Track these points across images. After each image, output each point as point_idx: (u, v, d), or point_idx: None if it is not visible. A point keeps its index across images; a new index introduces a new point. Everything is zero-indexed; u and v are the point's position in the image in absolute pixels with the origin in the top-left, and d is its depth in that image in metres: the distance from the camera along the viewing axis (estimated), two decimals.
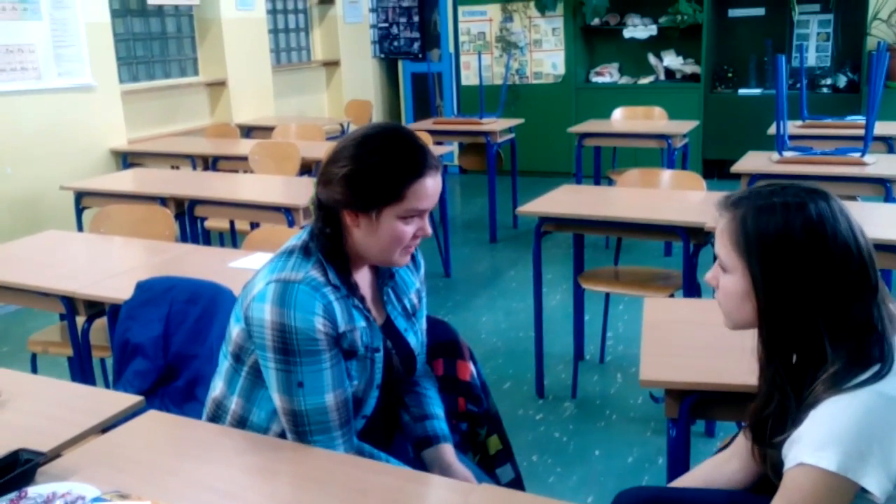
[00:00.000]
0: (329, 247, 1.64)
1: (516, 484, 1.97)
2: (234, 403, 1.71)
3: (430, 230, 1.68)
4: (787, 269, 1.33)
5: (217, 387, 1.75)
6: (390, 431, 1.87)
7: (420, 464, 1.79)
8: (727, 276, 1.41)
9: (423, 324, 1.87)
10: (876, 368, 1.28)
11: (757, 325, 1.40)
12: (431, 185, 1.62)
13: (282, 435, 1.66)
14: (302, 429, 1.60)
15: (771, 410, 1.42)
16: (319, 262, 1.63)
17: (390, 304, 1.78)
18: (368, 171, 1.59)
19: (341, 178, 1.60)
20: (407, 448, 1.85)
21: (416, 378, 1.88)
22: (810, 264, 1.32)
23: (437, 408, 1.86)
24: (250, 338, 1.61)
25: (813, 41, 7.46)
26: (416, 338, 1.82)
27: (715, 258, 1.46)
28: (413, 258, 1.84)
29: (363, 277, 1.73)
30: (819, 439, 1.27)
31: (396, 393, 1.84)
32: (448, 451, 1.80)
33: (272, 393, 1.61)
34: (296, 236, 1.70)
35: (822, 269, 1.32)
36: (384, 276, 1.78)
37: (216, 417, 1.75)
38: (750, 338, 1.51)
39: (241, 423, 1.71)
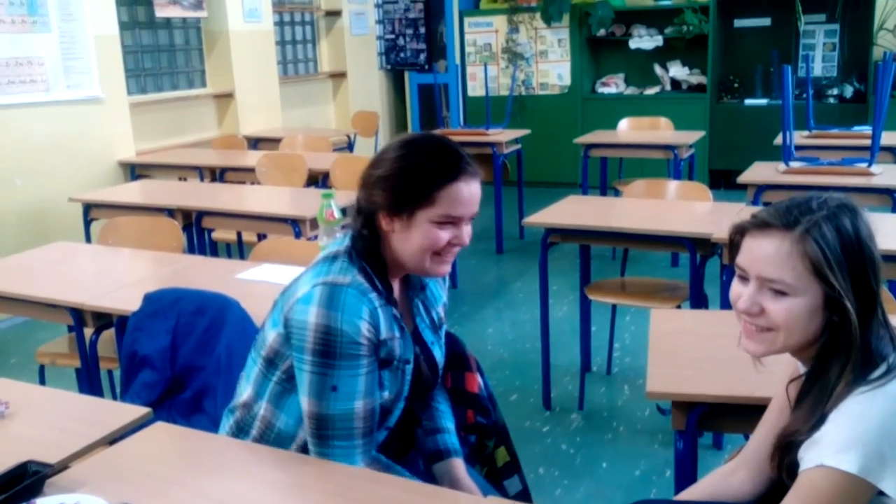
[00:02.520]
0: (367, 250, 1.65)
1: (524, 496, 1.97)
2: (262, 408, 1.70)
3: (467, 240, 1.67)
4: (865, 275, 1.33)
5: (244, 392, 1.74)
6: (406, 444, 1.87)
7: (430, 477, 1.78)
8: (792, 298, 1.34)
9: (444, 338, 1.88)
10: (887, 365, 1.30)
11: (815, 341, 1.36)
12: (466, 190, 1.62)
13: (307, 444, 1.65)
14: (325, 433, 1.58)
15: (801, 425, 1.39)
16: (363, 267, 1.64)
17: (419, 317, 1.78)
18: (402, 172, 1.62)
19: (378, 180, 1.63)
20: (419, 461, 1.84)
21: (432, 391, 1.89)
22: (876, 266, 1.34)
23: (448, 421, 1.86)
24: (288, 341, 1.61)
25: (819, 51, 7.46)
26: (441, 351, 1.83)
27: (731, 267, 1.44)
28: None
29: (396, 286, 1.73)
30: (840, 441, 1.26)
31: (416, 406, 1.84)
32: (458, 465, 1.80)
33: (301, 396, 1.60)
34: (337, 241, 1.71)
35: (873, 270, 1.33)
36: (416, 287, 1.78)
37: (243, 423, 1.73)
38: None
39: (269, 428, 1.70)
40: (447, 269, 1.70)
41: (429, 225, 1.61)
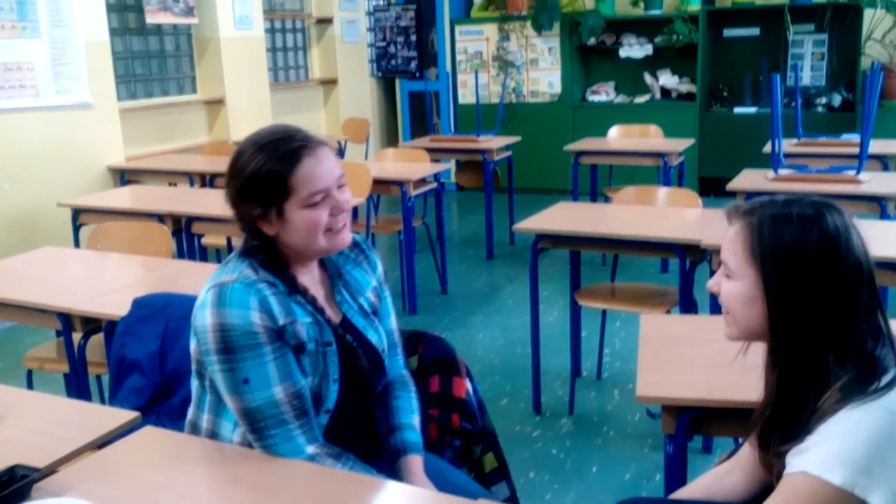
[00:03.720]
0: (265, 256, 1.68)
1: (512, 502, 1.97)
2: (204, 421, 1.74)
3: (345, 204, 1.68)
4: (801, 280, 1.33)
5: (190, 411, 1.79)
6: (375, 446, 1.85)
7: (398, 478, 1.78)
8: (733, 281, 1.41)
9: (390, 324, 1.88)
10: (887, 380, 1.29)
11: (762, 332, 1.39)
12: (315, 164, 1.63)
13: (249, 445, 1.66)
14: (257, 425, 1.61)
15: (770, 417, 1.41)
16: (252, 263, 1.66)
17: (345, 304, 1.79)
18: (251, 180, 1.63)
19: (236, 195, 1.67)
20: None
21: (387, 381, 1.88)
22: (823, 276, 1.32)
23: (405, 416, 1.85)
24: (200, 348, 1.64)
25: (808, 61, 7.51)
26: (378, 336, 1.82)
27: (717, 266, 1.47)
28: (367, 257, 1.86)
29: (312, 278, 1.75)
30: (828, 452, 1.26)
31: (365, 391, 1.82)
32: (412, 462, 1.78)
33: (225, 398, 1.64)
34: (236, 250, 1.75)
35: (834, 281, 1.32)
36: (333, 276, 1.80)
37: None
38: (748, 354, 1.51)
39: (213, 437, 1.72)
40: (347, 236, 1.71)
41: (302, 211, 1.63)
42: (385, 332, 1.85)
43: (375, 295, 1.86)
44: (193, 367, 1.72)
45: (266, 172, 1.62)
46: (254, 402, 1.60)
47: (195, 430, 1.76)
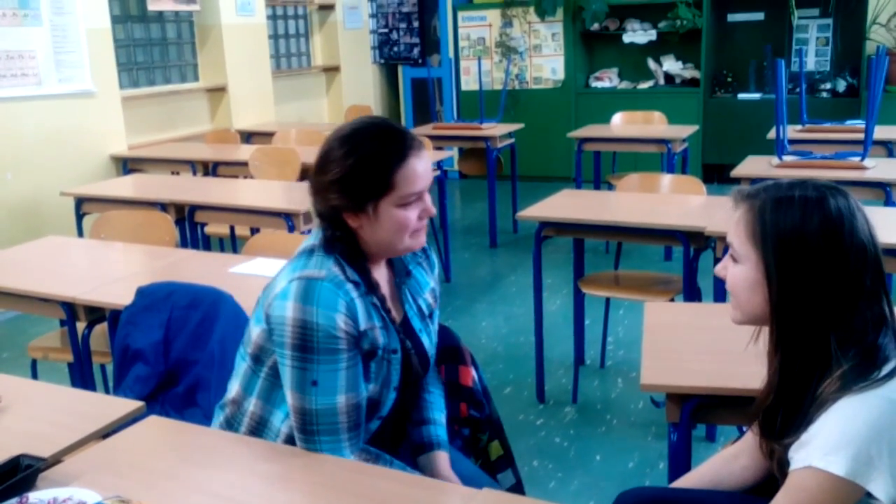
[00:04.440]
0: (345, 249, 1.64)
1: (517, 489, 1.97)
2: (252, 405, 1.71)
3: (433, 209, 1.68)
4: (802, 264, 1.33)
5: (233, 389, 1.75)
6: (398, 436, 1.86)
7: (418, 468, 1.78)
8: (738, 265, 1.41)
9: (436, 326, 1.87)
10: (888, 369, 1.28)
11: (766, 317, 1.39)
12: (418, 165, 1.62)
13: (293, 439, 1.65)
14: (310, 428, 1.59)
15: (770, 404, 1.41)
16: (338, 260, 1.63)
17: (407, 304, 1.77)
18: (354, 169, 1.60)
19: (331, 184, 1.61)
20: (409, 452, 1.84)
21: (425, 380, 1.88)
22: (825, 260, 1.32)
23: (436, 412, 1.86)
24: (271, 337, 1.61)
25: (812, 46, 7.47)
26: (430, 339, 1.82)
27: (721, 253, 1.47)
28: (427, 256, 1.85)
29: (381, 276, 1.72)
30: (829, 443, 1.26)
31: (411, 395, 1.83)
32: (441, 458, 1.79)
33: (286, 391, 1.61)
34: (312, 236, 1.70)
35: (836, 265, 1.31)
36: (401, 274, 1.78)
37: (233, 419, 1.74)
38: (751, 341, 1.51)
39: (260, 423, 1.70)
40: (423, 239, 1.71)
41: (395, 210, 1.61)
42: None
43: (433, 296, 1.85)
44: (249, 349, 1.68)
45: (372, 164, 1.59)
46: (315, 405, 1.57)
47: (238, 409, 1.73)
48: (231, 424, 1.74)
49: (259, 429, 1.70)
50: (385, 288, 1.72)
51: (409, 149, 1.61)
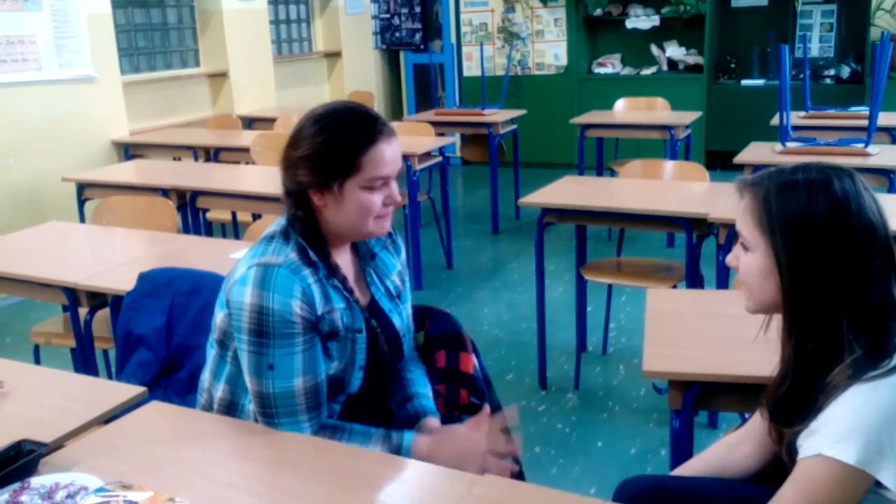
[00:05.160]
0: (305, 230, 1.67)
1: (518, 476, 1.97)
2: (220, 391, 1.74)
3: (398, 197, 1.71)
4: (811, 247, 1.32)
5: (205, 378, 1.79)
6: (385, 416, 1.87)
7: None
8: (749, 254, 1.40)
9: (409, 308, 1.89)
10: None
11: (779, 304, 1.38)
12: (387, 150, 1.65)
13: None
14: (269, 411, 1.62)
15: (784, 391, 1.40)
16: (298, 244, 1.66)
17: (374, 286, 1.80)
18: (322, 147, 1.63)
19: (300, 160, 1.65)
20: None
21: (402, 362, 1.89)
22: (834, 241, 1.30)
23: (420, 387, 1.87)
24: (230, 322, 1.64)
25: (816, 32, 7.42)
26: (401, 319, 1.84)
27: (727, 245, 1.46)
28: (393, 241, 1.88)
29: (344, 259, 1.75)
30: (840, 431, 1.25)
31: (384, 375, 1.84)
32: (432, 421, 1.80)
33: (245, 375, 1.64)
34: (276, 223, 1.74)
35: (845, 246, 1.30)
36: (365, 257, 1.81)
37: (208, 407, 1.78)
38: (753, 328, 1.51)
39: (230, 407, 1.73)
40: (387, 226, 1.74)
41: (360, 191, 1.64)
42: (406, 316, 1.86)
43: (400, 278, 1.87)
44: (215, 335, 1.72)
45: (341, 144, 1.62)
46: (272, 389, 1.60)
47: (210, 396, 1.76)
48: (207, 412, 1.77)
49: (230, 413, 1.73)
50: (349, 270, 1.75)
51: (379, 133, 1.64)
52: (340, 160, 1.62)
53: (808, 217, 1.32)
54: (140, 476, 1.44)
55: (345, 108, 1.70)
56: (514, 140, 6.25)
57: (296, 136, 1.68)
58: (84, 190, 4.45)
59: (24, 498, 1.37)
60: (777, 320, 1.42)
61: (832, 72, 7.24)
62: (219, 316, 1.70)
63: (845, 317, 1.31)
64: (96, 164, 5.29)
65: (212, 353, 1.76)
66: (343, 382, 1.71)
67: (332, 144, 1.63)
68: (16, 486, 1.40)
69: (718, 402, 1.99)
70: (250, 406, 1.69)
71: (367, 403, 1.79)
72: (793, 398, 1.39)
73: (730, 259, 1.46)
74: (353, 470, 1.49)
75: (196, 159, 5.36)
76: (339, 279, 1.68)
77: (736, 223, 1.43)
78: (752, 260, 1.40)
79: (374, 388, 1.79)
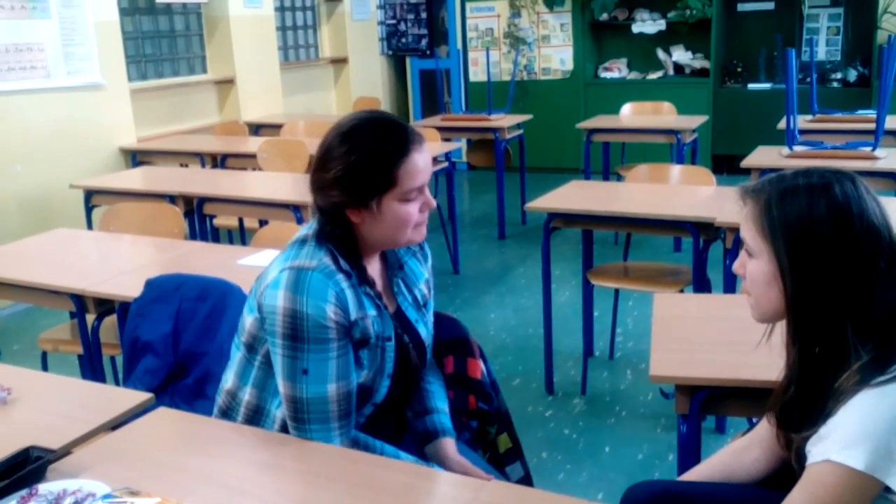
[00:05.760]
0: (340, 244, 1.65)
1: (526, 482, 1.97)
2: (247, 394, 1.72)
3: (433, 202, 1.69)
4: (813, 252, 1.31)
5: (229, 379, 1.76)
6: (402, 424, 1.87)
7: (426, 459, 1.78)
8: (753, 261, 1.40)
9: (432, 316, 1.87)
10: None
11: (783, 311, 1.37)
12: (420, 159, 1.62)
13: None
14: (301, 416, 1.60)
15: (790, 397, 1.40)
16: (330, 250, 1.64)
17: (401, 295, 1.78)
18: (357, 166, 1.59)
19: (333, 181, 1.61)
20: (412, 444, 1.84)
21: (422, 371, 1.88)
22: (837, 246, 1.30)
23: (439, 401, 1.86)
24: (263, 326, 1.62)
25: (823, 35, 7.41)
26: (426, 329, 1.82)
27: (734, 249, 1.45)
28: (421, 248, 1.86)
29: (374, 267, 1.74)
30: (848, 437, 1.25)
31: (409, 384, 1.83)
32: (448, 444, 1.79)
33: (278, 379, 1.62)
34: (307, 226, 1.71)
35: (848, 250, 1.30)
36: (394, 266, 1.79)
37: (229, 409, 1.75)
38: (760, 333, 1.50)
39: (257, 412, 1.71)
40: (425, 231, 1.72)
41: (398, 204, 1.62)
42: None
43: (427, 286, 1.85)
44: (243, 339, 1.70)
45: (374, 160, 1.59)
46: (306, 394, 1.59)
47: (233, 399, 1.74)
48: (226, 414, 1.76)
49: (256, 417, 1.71)
50: (377, 279, 1.73)
51: (411, 143, 1.61)
52: (375, 177, 1.59)
53: (809, 222, 1.31)
54: (147, 482, 1.44)
55: (371, 119, 1.65)
56: (520, 145, 6.25)
57: (325, 156, 1.63)
58: (92, 197, 4.46)
59: None
60: (781, 326, 1.41)
61: (839, 75, 7.23)
62: (248, 319, 1.68)
63: (850, 322, 1.30)
64: (104, 171, 5.31)
65: (238, 355, 1.73)
66: (371, 391, 1.69)
67: (365, 162, 1.59)
68: (24, 492, 1.40)
69: (726, 407, 1.97)
70: (277, 412, 1.68)
71: (389, 413, 1.78)
72: (800, 404, 1.38)
73: (736, 267, 1.46)
74: (361, 476, 1.49)
75: (203, 166, 5.37)
76: (371, 287, 1.67)
77: (740, 230, 1.43)
78: (756, 267, 1.39)
79: (397, 397, 1.79)
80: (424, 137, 1.68)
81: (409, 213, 1.63)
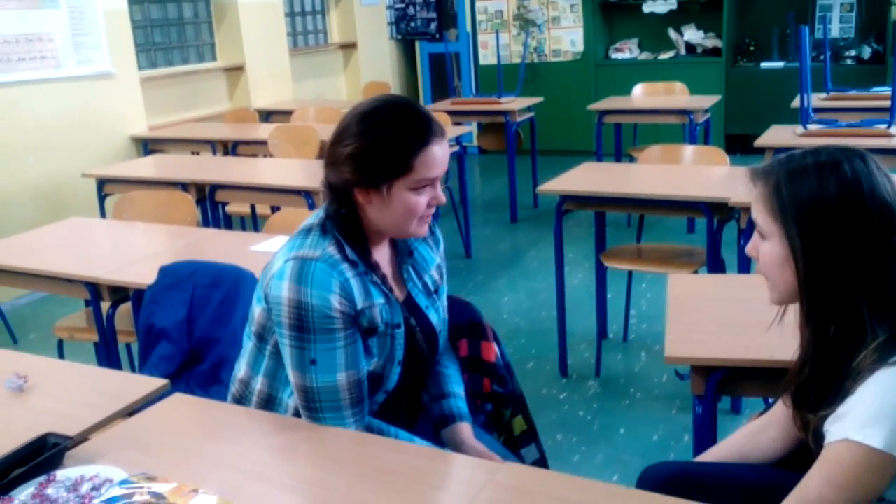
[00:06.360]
0: (346, 226, 1.64)
1: (541, 464, 1.97)
2: (259, 383, 1.72)
3: (443, 197, 1.67)
4: (825, 231, 1.30)
5: (241, 368, 1.77)
6: (414, 410, 1.87)
7: (440, 443, 1.79)
8: (766, 243, 1.38)
9: (445, 301, 1.86)
10: None
11: (798, 292, 1.36)
12: (439, 151, 1.61)
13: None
14: (313, 405, 1.60)
15: (805, 378, 1.39)
16: (336, 239, 1.63)
17: (411, 282, 1.77)
18: (374, 146, 1.58)
19: (348, 157, 1.59)
20: (428, 427, 1.85)
21: (437, 356, 1.88)
22: (848, 224, 1.28)
23: (455, 386, 1.86)
24: (270, 316, 1.62)
25: (836, 12, 7.32)
26: (438, 315, 1.81)
27: (748, 230, 1.44)
28: (433, 233, 1.84)
29: (382, 254, 1.73)
30: (866, 416, 1.24)
31: (420, 371, 1.83)
32: (464, 429, 1.79)
33: (288, 370, 1.63)
34: (313, 215, 1.70)
35: (860, 228, 1.28)
36: (403, 253, 1.78)
37: (242, 398, 1.76)
38: (774, 312, 1.49)
39: (269, 400, 1.72)
40: (426, 228, 1.70)
41: (407, 193, 1.60)
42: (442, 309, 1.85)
43: (438, 272, 1.84)
44: (253, 328, 1.70)
45: (394, 144, 1.57)
46: (316, 383, 1.59)
47: (246, 388, 1.75)
48: (240, 402, 1.77)
49: (268, 406, 1.72)
50: (386, 266, 1.72)
51: (433, 134, 1.60)
52: (392, 160, 1.57)
53: (819, 201, 1.30)
54: (164, 468, 1.45)
55: (395, 104, 1.63)
56: (531, 128, 6.22)
57: (342, 132, 1.62)
58: (104, 185, 4.48)
59: (49, 490, 1.38)
60: (795, 306, 1.40)
61: (853, 52, 7.15)
62: (256, 310, 1.68)
63: (865, 301, 1.29)
64: (116, 160, 5.32)
65: (249, 344, 1.74)
66: (382, 378, 1.69)
67: (384, 144, 1.57)
68: (42, 478, 1.41)
69: (742, 388, 1.96)
70: (289, 400, 1.68)
71: (402, 399, 1.78)
72: (816, 384, 1.37)
73: (749, 249, 1.44)
74: (375, 459, 1.49)
75: (214, 153, 5.38)
76: (378, 275, 1.66)
77: (751, 212, 1.42)
78: (769, 248, 1.38)
79: (409, 384, 1.78)
80: (446, 132, 1.66)
81: (417, 203, 1.61)
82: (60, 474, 1.42)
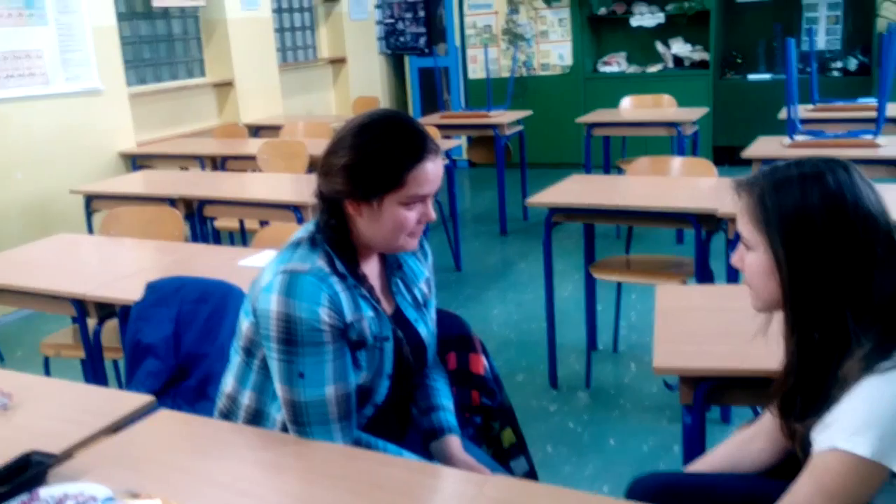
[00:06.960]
0: (335, 238, 1.64)
1: (531, 476, 1.96)
2: (246, 398, 1.71)
3: (433, 215, 1.67)
4: (809, 242, 1.31)
5: (228, 383, 1.75)
6: (403, 423, 1.86)
7: (429, 456, 1.78)
8: (751, 253, 1.39)
9: (434, 314, 1.86)
10: None
11: (783, 302, 1.37)
12: (432, 169, 1.61)
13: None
14: (301, 419, 1.59)
15: (791, 387, 1.39)
16: (326, 252, 1.62)
17: (399, 295, 1.77)
18: (367, 159, 1.58)
19: (341, 169, 1.60)
20: (417, 440, 1.84)
21: (426, 370, 1.87)
22: (831, 234, 1.29)
23: (444, 399, 1.85)
24: (258, 330, 1.61)
25: (822, 24, 7.39)
26: (427, 328, 1.81)
27: (736, 240, 1.45)
28: (421, 246, 1.84)
29: (371, 267, 1.72)
30: (854, 424, 1.24)
31: (409, 384, 1.82)
32: (454, 442, 1.78)
33: (275, 383, 1.62)
34: (303, 228, 1.70)
35: (843, 238, 1.29)
36: (392, 266, 1.77)
37: (229, 413, 1.75)
38: (763, 322, 1.49)
39: (257, 415, 1.70)
40: (416, 243, 1.70)
41: (398, 207, 1.60)
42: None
43: (427, 285, 1.84)
44: (241, 343, 1.69)
45: (387, 158, 1.58)
46: (303, 397, 1.58)
47: (233, 403, 1.74)
48: (227, 417, 1.75)
49: (256, 421, 1.71)
50: (375, 279, 1.72)
51: (427, 151, 1.60)
52: (384, 175, 1.57)
53: (803, 211, 1.31)
54: (149, 484, 1.44)
55: (391, 119, 1.64)
56: (520, 141, 6.24)
57: (337, 143, 1.62)
58: (92, 201, 4.46)
59: None
60: (780, 315, 1.40)
61: (839, 64, 7.21)
62: (244, 324, 1.67)
63: (850, 310, 1.29)
64: (104, 176, 5.30)
65: (236, 359, 1.73)
66: (371, 392, 1.68)
67: (377, 158, 1.58)
68: (24, 497, 1.40)
69: (730, 397, 1.97)
70: (277, 415, 1.67)
71: (391, 412, 1.78)
72: (802, 392, 1.37)
73: (734, 260, 1.45)
74: (363, 473, 1.48)
75: (203, 168, 5.37)
76: (366, 288, 1.66)
77: (736, 224, 1.43)
78: (753, 259, 1.39)
79: (398, 398, 1.78)
80: (441, 150, 1.66)
81: (407, 219, 1.61)
82: (44, 492, 1.41)
